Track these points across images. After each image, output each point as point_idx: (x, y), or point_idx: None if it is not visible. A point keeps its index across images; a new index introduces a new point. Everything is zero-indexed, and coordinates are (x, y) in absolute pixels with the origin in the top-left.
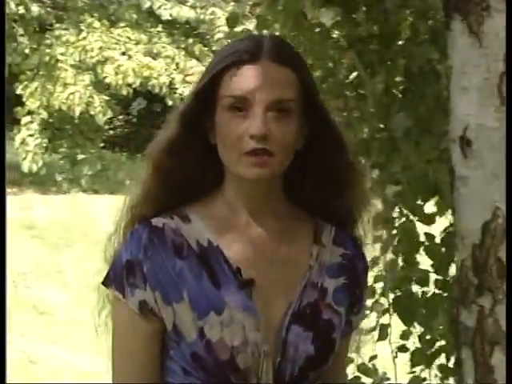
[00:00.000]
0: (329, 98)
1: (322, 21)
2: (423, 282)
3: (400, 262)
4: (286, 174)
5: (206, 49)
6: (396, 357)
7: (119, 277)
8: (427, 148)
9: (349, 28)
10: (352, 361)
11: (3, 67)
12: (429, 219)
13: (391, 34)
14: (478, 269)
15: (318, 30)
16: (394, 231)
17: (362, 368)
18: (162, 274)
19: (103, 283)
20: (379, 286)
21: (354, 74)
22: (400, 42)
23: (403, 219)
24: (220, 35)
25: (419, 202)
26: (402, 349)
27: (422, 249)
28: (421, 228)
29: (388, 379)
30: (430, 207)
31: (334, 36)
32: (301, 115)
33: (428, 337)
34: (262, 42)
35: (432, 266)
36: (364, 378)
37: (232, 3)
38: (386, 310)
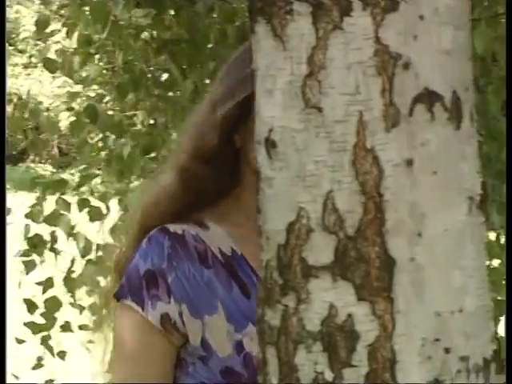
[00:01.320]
0: (142, 98)
1: (134, 22)
2: None
3: None
4: None
5: (11, 48)
6: None
7: (137, 288)
8: None
9: (160, 30)
10: None
11: (3, 67)
12: None
13: (200, 37)
14: (282, 269)
15: (129, 31)
16: None
17: None
18: (189, 285)
19: (114, 296)
20: None
21: (166, 75)
22: (209, 45)
23: None
24: (26, 34)
25: None
26: None
27: None
28: None
29: None
30: None
31: (146, 38)
32: None
33: None
34: None
35: None
36: None
37: (37, 2)
38: None
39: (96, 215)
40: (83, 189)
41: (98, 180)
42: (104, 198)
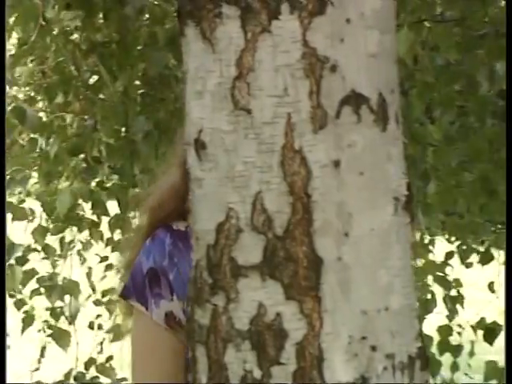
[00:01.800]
0: (73, 100)
1: (64, 24)
2: None
3: None
4: None
5: None
6: None
7: (140, 287)
8: (166, 151)
9: (89, 32)
10: (95, 361)
11: (3, 67)
12: None
13: (130, 39)
14: (212, 268)
15: (58, 33)
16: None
17: (100, 368)
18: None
19: (120, 295)
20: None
21: (96, 77)
22: (139, 48)
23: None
24: None
25: None
26: None
27: None
28: None
29: (125, 379)
30: None
31: (75, 39)
32: None
33: None
34: None
35: None
36: (102, 378)
37: None
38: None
39: (19, 216)
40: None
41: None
42: (40, 198)
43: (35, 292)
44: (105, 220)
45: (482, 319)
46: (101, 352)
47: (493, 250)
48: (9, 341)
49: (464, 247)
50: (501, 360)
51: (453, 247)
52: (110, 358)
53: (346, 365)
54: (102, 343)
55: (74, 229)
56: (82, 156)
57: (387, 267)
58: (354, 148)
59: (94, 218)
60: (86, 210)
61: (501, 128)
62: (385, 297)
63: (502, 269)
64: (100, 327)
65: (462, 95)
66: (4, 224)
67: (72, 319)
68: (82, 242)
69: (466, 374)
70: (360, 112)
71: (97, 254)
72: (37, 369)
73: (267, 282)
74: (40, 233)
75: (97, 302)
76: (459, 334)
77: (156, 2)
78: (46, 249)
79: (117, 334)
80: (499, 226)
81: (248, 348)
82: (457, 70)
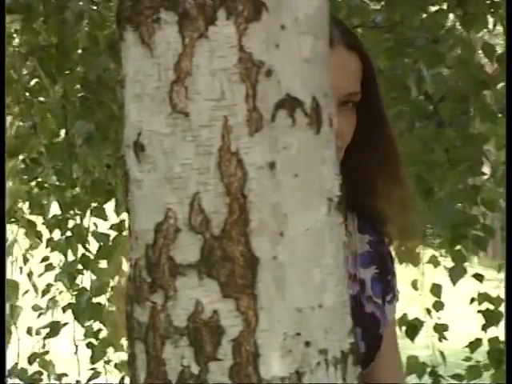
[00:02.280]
0: (12, 103)
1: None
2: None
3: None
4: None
5: None
6: (76, 352)
7: None
8: (106, 153)
9: (29, 36)
10: (38, 356)
11: (3, 67)
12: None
13: (69, 43)
14: (150, 267)
15: None
16: (69, 233)
17: (42, 363)
18: None
19: None
20: None
21: (35, 80)
22: (79, 51)
23: (78, 221)
24: None
25: (96, 204)
26: (88, 345)
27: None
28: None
29: (66, 375)
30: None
31: (15, 43)
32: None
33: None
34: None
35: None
36: (44, 374)
37: None
38: (62, 308)
39: None
40: None
41: None
42: None
43: None
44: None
45: (405, 315)
46: (43, 347)
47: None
48: None
49: None
50: (421, 355)
51: None
52: (46, 353)
53: (281, 360)
54: (44, 338)
55: (16, 228)
56: (21, 157)
57: (321, 266)
58: (288, 150)
59: (32, 217)
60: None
61: (433, 130)
62: (318, 294)
63: (426, 267)
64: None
65: (395, 100)
66: (4, 223)
67: (14, 319)
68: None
69: None
70: (294, 115)
71: (30, 254)
72: None
73: (204, 281)
74: None
75: (36, 307)
76: None
77: (95, 8)
78: None
79: (53, 330)
80: (427, 226)
81: (186, 344)
82: (389, 75)
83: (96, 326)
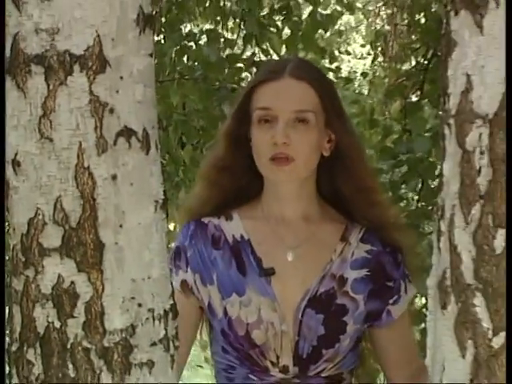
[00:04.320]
0: None
1: None
2: None
3: None
4: (321, 179)
5: None
6: None
7: (170, 260)
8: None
9: None
10: None
11: (3, 67)
12: None
13: None
14: (25, 250)
15: None
16: None
17: None
18: (201, 260)
19: None
20: None
21: None
22: None
23: None
24: None
25: None
26: None
27: None
28: None
29: None
30: None
31: None
32: (323, 125)
33: None
34: (285, 63)
35: None
36: None
37: None
38: None
39: None
40: None
41: None
42: None
43: None
44: None
45: None
46: None
47: None
48: None
49: None
50: None
51: None
52: None
53: (120, 317)
54: None
55: None
56: None
57: (149, 249)
58: (126, 166)
59: None
60: None
61: None
62: (148, 269)
63: None
64: None
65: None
66: (3, 223)
67: None
68: None
69: None
70: (130, 141)
71: None
72: None
73: (64, 260)
74: None
75: None
76: None
77: None
78: None
79: None
80: None
81: (51, 306)
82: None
83: None
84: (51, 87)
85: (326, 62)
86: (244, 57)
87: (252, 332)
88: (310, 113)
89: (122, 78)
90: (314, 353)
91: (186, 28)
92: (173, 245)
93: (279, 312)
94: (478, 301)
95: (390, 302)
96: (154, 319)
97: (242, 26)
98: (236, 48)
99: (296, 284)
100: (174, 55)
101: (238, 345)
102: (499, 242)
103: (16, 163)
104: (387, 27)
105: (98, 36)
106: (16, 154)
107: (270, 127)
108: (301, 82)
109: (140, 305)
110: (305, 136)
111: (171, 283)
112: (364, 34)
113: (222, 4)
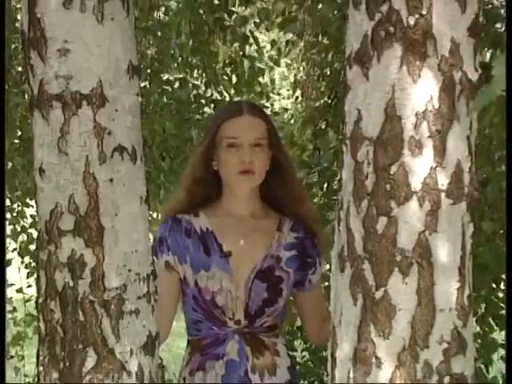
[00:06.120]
0: None
1: None
2: None
3: None
4: (262, 186)
5: None
6: None
7: (155, 247)
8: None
9: None
10: None
11: (3, 67)
12: None
13: None
14: (48, 232)
15: None
16: None
17: None
18: (177, 246)
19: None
20: None
21: None
22: None
23: None
24: None
25: None
26: None
27: None
28: None
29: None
30: None
31: None
32: (268, 148)
33: None
34: (241, 105)
35: None
36: None
37: None
38: None
39: None
40: None
41: None
42: None
43: None
44: None
45: None
46: None
47: None
48: None
49: None
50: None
51: None
52: None
53: (116, 278)
54: None
55: None
56: None
57: (137, 231)
58: (120, 172)
59: None
60: None
61: None
62: (135, 245)
63: None
64: None
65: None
66: (3, 223)
67: None
68: None
69: None
70: (123, 155)
71: None
72: None
73: (76, 239)
74: None
75: None
76: None
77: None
78: None
79: None
80: None
81: (66, 271)
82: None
83: None
84: (66, 117)
85: (263, 101)
86: (206, 96)
87: (216, 297)
88: (264, 139)
89: (117, 110)
90: (259, 310)
91: (165, 76)
92: (156, 233)
93: (235, 282)
94: (366, 266)
95: (310, 272)
96: (139, 280)
97: (204, 75)
98: (200, 90)
99: (247, 262)
100: (156, 95)
101: (205, 306)
102: (380, 225)
103: (42, 170)
104: (304, 77)
105: (100, 81)
106: (41, 164)
107: (237, 151)
108: (256, 118)
109: (130, 270)
110: (261, 156)
111: (152, 257)
112: (290, 81)
113: (190, 60)
